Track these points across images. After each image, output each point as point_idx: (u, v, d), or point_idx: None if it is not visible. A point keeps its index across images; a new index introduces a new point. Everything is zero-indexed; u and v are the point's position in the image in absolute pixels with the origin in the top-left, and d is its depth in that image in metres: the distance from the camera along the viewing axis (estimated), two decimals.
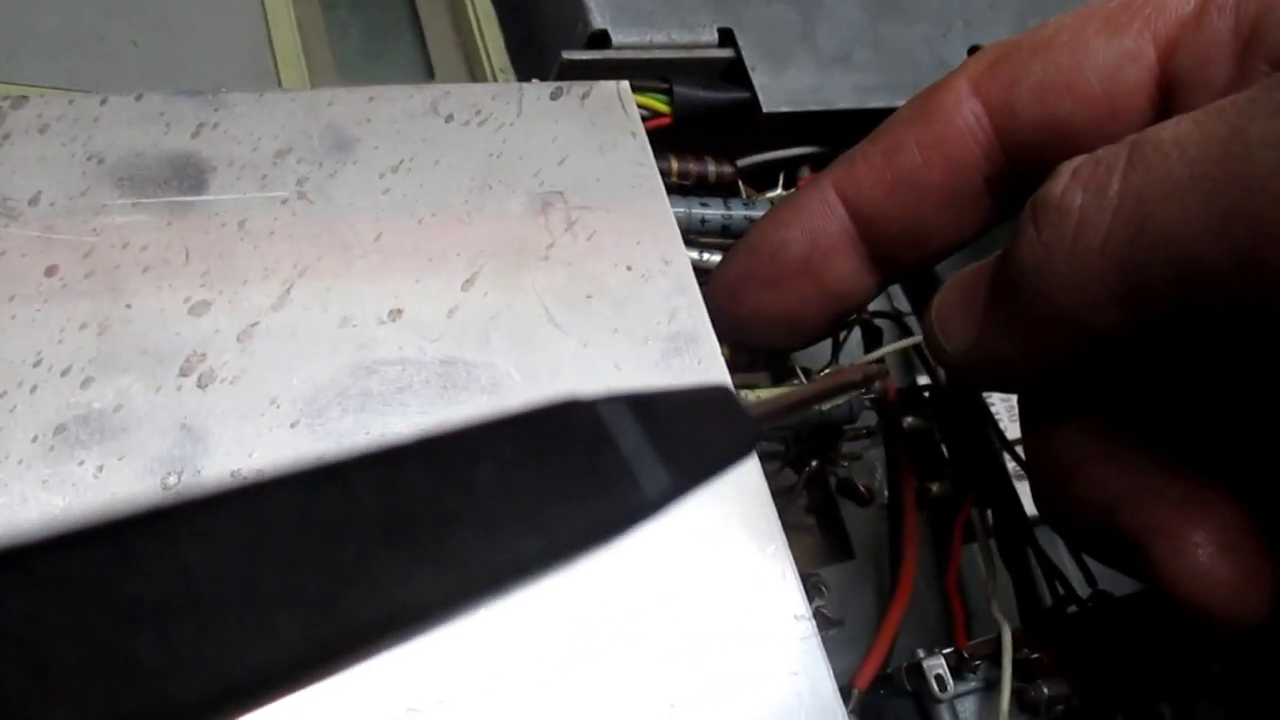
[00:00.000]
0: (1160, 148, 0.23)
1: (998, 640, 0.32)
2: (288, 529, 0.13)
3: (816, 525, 0.47)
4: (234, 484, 0.12)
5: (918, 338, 0.41)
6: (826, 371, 0.38)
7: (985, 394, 0.48)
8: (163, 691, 0.11)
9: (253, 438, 0.25)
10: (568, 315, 0.29)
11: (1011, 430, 0.49)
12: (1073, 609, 0.37)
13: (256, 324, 0.27)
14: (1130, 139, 0.24)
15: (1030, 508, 0.46)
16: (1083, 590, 0.37)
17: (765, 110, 0.38)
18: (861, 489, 0.39)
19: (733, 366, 0.33)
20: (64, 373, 0.25)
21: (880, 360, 0.41)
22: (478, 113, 0.31)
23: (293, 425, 0.26)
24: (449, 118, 0.31)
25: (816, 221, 0.32)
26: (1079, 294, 0.24)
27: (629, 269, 0.31)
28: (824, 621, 0.33)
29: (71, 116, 0.27)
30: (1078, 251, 0.24)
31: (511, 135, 0.31)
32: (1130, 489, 0.27)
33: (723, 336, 0.31)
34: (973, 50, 0.44)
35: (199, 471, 0.25)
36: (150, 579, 0.11)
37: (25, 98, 0.27)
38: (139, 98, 0.28)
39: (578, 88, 0.33)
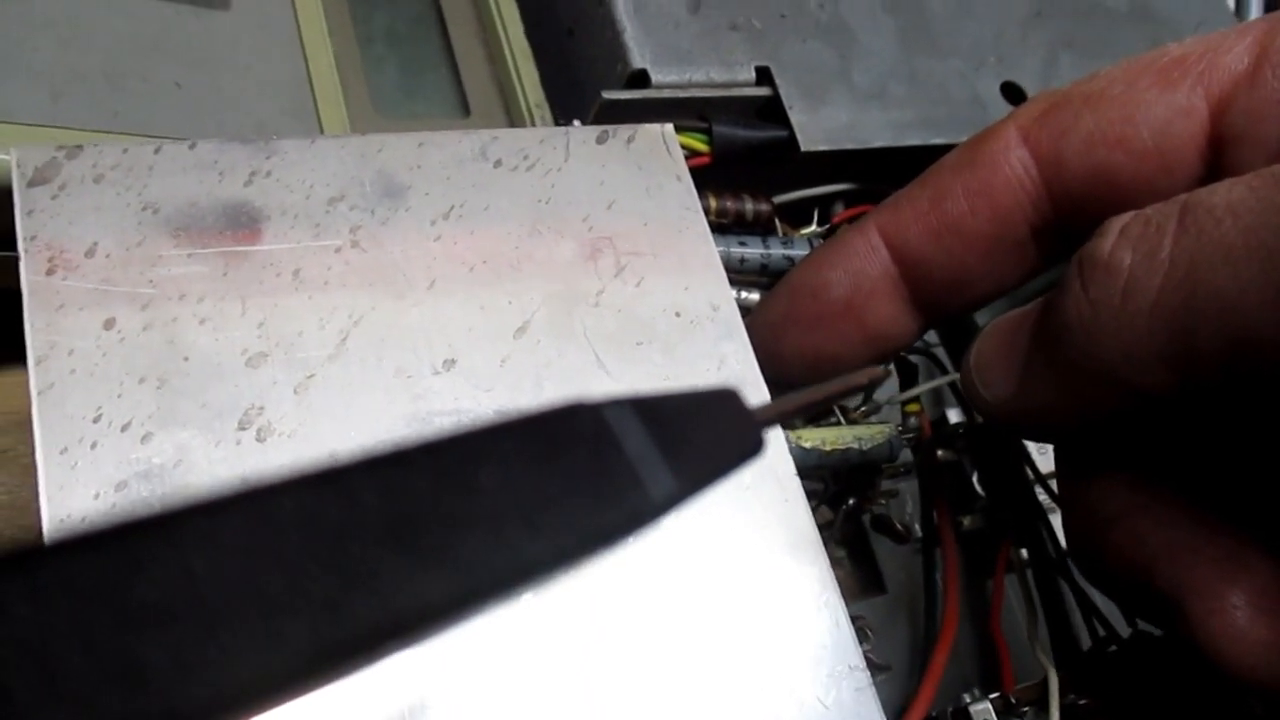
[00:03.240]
0: (1213, 212, 0.23)
1: (1043, 685, 0.32)
2: (294, 533, 0.13)
3: (847, 559, 0.47)
4: (240, 488, 0.12)
5: (952, 376, 0.41)
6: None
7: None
8: (169, 696, 0.11)
9: None
10: (619, 363, 0.29)
11: (1044, 463, 0.49)
12: (1113, 649, 0.37)
13: (313, 375, 0.26)
14: (1181, 199, 0.24)
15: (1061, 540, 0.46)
16: (1122, 629, 0.37)
17: (803, 149, 0.38)
18: (899, 527, 0.38)
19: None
20: (124, 428, 0.24)
21: (887, 368, 0.41)
22: (525, 157, 0.31)
23: None
24: (497, 163, 0.31)
25: (860, 264, 0.32)
26: (1126, 353, 0.24)
27: (678, 315, 0.31)
28: (872, 667, 0.33)
29: (126, 165, 0.27)
30: (1126, 311, 0.24)
31: (560, 180, 0.31)
32: (1168, 545, 0.27)
33: (768, 374, 0.31)
34: (1006, 86, 0.44)
35: None
36: (156, 584, 0.12)
37: (80, 147, 0.27)
38: (192, 146, 0.28)
39: (623, 131, 0.33)
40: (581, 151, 0.32)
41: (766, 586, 0.28)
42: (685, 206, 0.33)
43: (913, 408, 0.40)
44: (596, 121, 0.37)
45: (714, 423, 0.19)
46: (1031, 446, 0.49)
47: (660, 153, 0.33)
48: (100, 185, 0.27)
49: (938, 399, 0.48)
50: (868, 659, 0.32)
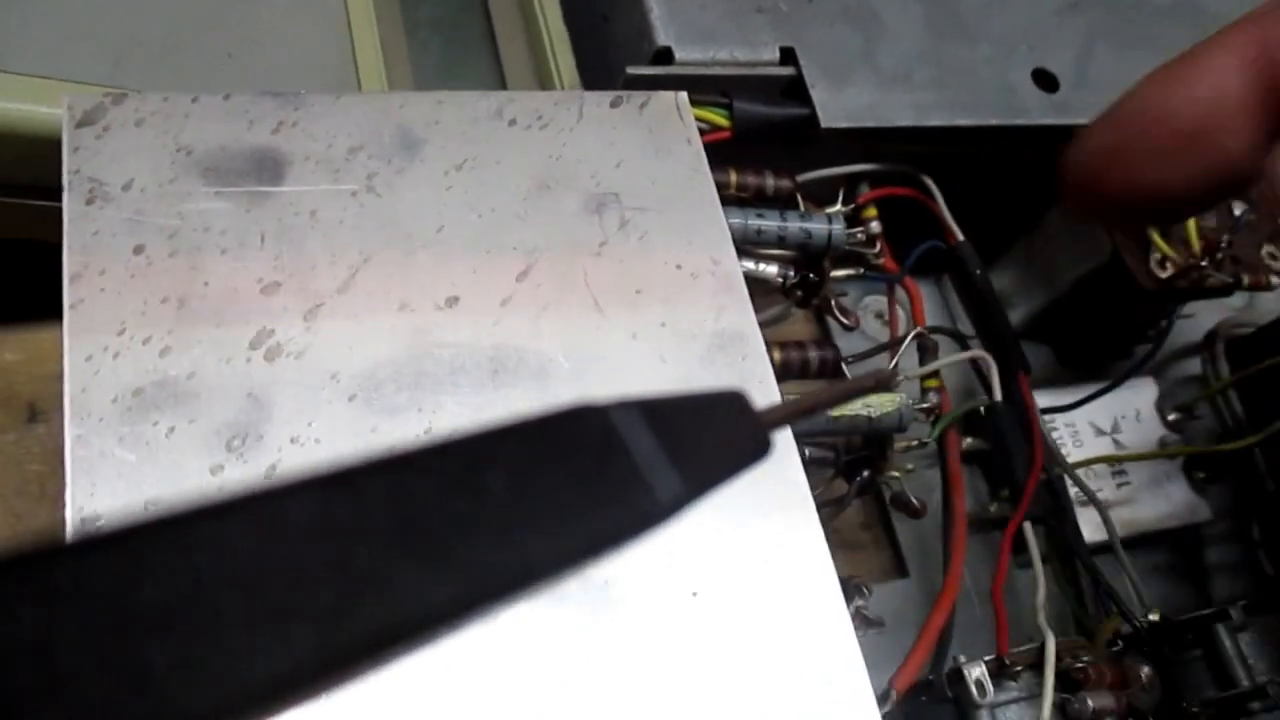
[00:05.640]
0: None
1: (1041, 650, 0.32)
2: (301, 536, 0.13)
3: (871, 542, 0.47)
4: (248, 492, 0.12)
5: (974, 352, 0.41)
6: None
7: (1045, 417, 0.48)
8: (175, 700, 0.11)
9: (312, 409, 0.27)
10: (617, 308, 0.31)
11: (1073, 454, 0.48)
12: (1128, 629, 0.37)
13: (322, 305, 0.28)
14: None
15: (1089, 533, 0.45)
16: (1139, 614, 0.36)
17: (824, 125, 0.39)
18: (914, 501, 0.39)
19: (781, 375, 0.34)
20: (145, 341, 0.27)
21: (896, 367, 0.41)
22: (539, 118, 0.33)
23: (350, 399, 0.27)
24: (512, 122, 0.33)
25: (1221, 82, 0.27)
26: None
27: (679, 268, 0.32)
28: (864, 622, 0.33)
29: (165, 112, 0.30)
30: None
31: (571, 140, 0.33)
32: None
33: (1076, 214, 0.28)
34: (1038, 73, 0.44)
35: (261, 437, 0.26)
36: (163, 587, 0.11)
37: (125, 94, 0.30)
38: (227, 97, 0.30)
39: (637, 97, 0.34)
40: (595, 114, 0.34)
41: (755, 542, 0.28)
42: (693, 169, 0.34)
43: (932, 383, 0.41)
44: None
45: (721, 424, 0.19)
46: (1064, 440, 0.48)
47: (673, 118, 0.35)
48: (140, 128, 0.29)
49: (970, 391, 0.48)
50: (859, 614, 0.33)
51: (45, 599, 0.11)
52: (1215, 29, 0.48)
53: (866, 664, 0.27)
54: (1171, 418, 0.51)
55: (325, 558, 0.12)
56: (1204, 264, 0.43)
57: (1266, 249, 0.47)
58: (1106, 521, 0.41)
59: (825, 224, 0.39)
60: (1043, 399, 0.48)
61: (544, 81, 0.43)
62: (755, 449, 0.19)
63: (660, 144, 0.34)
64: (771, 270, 0.40)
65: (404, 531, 0.13)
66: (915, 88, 0.41)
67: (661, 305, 0.31)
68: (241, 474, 0.26)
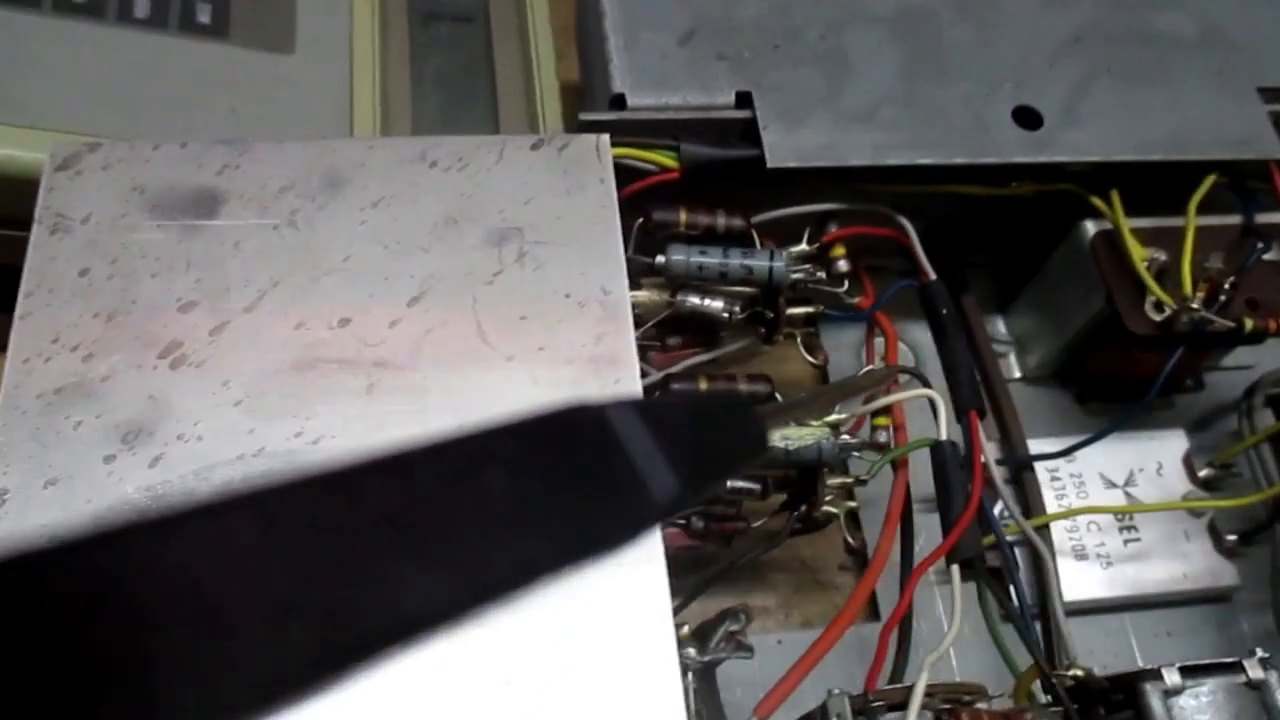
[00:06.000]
0: None
1: (910, 690, 0.31)
2: (298, 535, 0.13)
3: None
4: (244, 490, 0.12)
5: (921, 390, 0.40)
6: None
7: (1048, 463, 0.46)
8: (170, 701, 0.11)
9: (200, 411, 0.31)
10: (499, 334, 0.33)
11: (1071, 503, 0.46)
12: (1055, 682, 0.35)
13: (228, 322, 0.32)
14: None
15: (1084, 590, 0.43)
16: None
17: (769, 165, 0.40)
18: (818, 516, 0.39)
19: None
20: (73, 349, 0.31)
21: (891, 370, 0.41)
22: (460, 159, 0.36)
23: (236, 404, 0.31)
24: (434, 164, 0.36)
25: None
26: None
27: (568, 296, 0.34)
28: (738, 647, 0.34)
29: (129, 159, 0.35)
30: None
31: (486, 179, 0.36)
32: None
33: None
34: (1019, 110, 0.43)
35: (153, 434, 0.30)
36: (158, 586, 0.11)
37: (100, 143, 0.35)
38: (184, 145, 0.35)
39: (559, 140, 0.37)
40: (515, 156, 0.37)
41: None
42: (601, 205, 0.36)
43: (881, 420, 0.40)
44: None
45: (716, 424, 0.19)
46: (1068, 489, 0.46)
47: (590, 159, 0.37)
48: (106, 171, 0.35)
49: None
50: (736, 638, 0.33)
51: (38, 598, 0.11)
52: (1245, 58, 0.45)
53: None
54: (1204, 473, 0.47)
55: (322, 557, 0.13)
56: (1195, 307, 0.41)
57: None
58: (1045, 575, 0.39)
59: (766, 261, 0.40)
60: (1048, 445, 0.46)
61: (533, 128, 0.46)
62: (750, 447, 0.20)
63: (573, 183, 0.36)
64: (717, 305, 0.41)
65: (401, 531, 0.13)
66: (876, 128, 0.42)
67: (544, 331, 0.33)
68: (129, 464, 0.30)
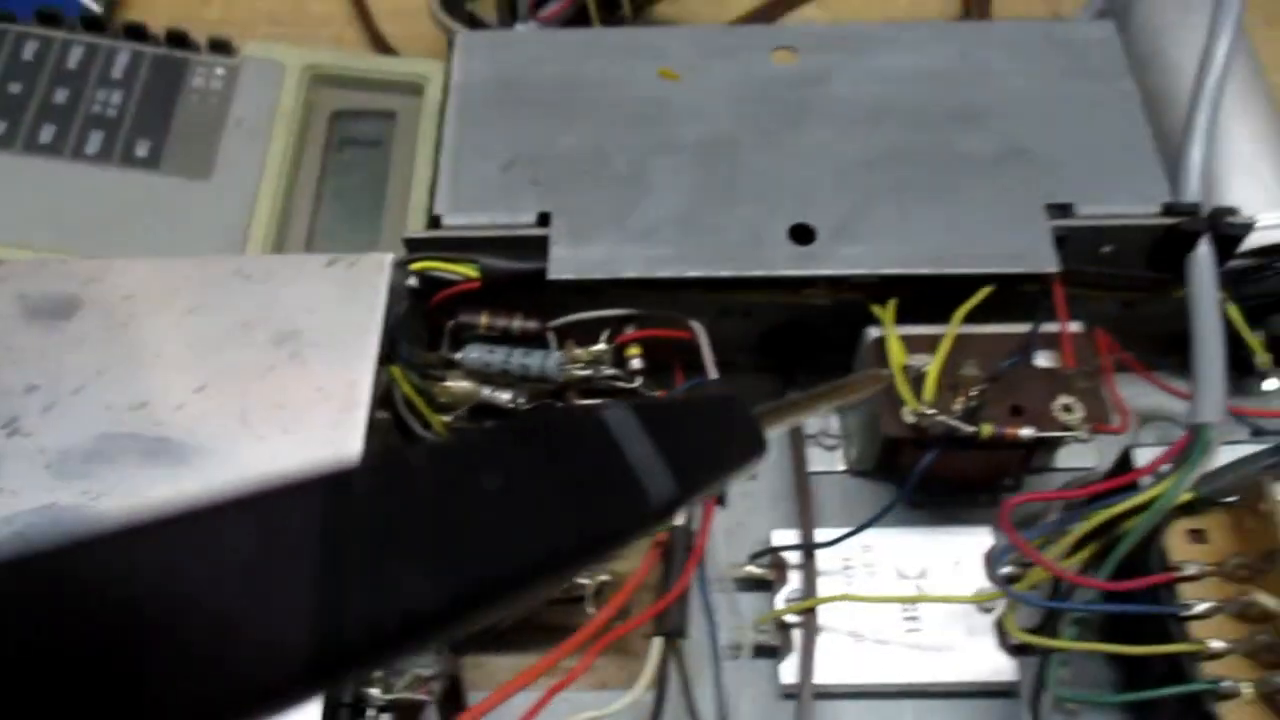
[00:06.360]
0: None
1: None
2: (295, 537, 0.13)
3: None
4: (240, 492, 0.12)
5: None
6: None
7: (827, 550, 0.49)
8: (167, 703, 0.11)
9: (15, 472, 0.40)
10: (257, 418, 0.41)
11: (853, 589, 0.49)
12: None
13: (57, 403, 0.42)
14: None
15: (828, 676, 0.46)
16: None
17: (549, 277, 0.47)
18: None
19: None
20: None
21: (888, 373, 0.44)
22: (268, 274, 0.45)
23: (46, 466, 0.40)
24: (247, 278, 0.45)
25: None
26: None
27: (319, 389, 0.41)
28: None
29: (22, 272, 0.45)
30: None
31: (284, 291, 0.44)
32: None
33: None
34: (795, 228, 0.48)
35: None
36: (154, 588, 0.11)
37: (4, 261, 0.46)
38: (64, 261, 0.45)
39: (351, 258, 0.45)
40: (313, 272, 0.45)
41: None
42: (373, 310, 0.43)
43: None
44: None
45: (715, 425, 0.19)
46: (858, 574, 0.49)
47: (375, 274, 0.44)
48: (4, 284, 0.45)
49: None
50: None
51: (34, 601, 0.11)
52: (1035, 177, 0.49)
53: None
54: (1004, 571, 0.49)
55: (319, 559, 0.13)
56: (930, 412, 0.44)
57: (1061, 401, 0.45)
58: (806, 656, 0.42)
59: (540, 360, 0.46)
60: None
61: None
62: (750, 449, 0.20)
63: (353, 295, 0.44)
64: (504, 397, 0.48)
65: (399, 532, 0.13)
66: (654, 244, 0.47)
67: (291, 417, 0.41)
68: None
